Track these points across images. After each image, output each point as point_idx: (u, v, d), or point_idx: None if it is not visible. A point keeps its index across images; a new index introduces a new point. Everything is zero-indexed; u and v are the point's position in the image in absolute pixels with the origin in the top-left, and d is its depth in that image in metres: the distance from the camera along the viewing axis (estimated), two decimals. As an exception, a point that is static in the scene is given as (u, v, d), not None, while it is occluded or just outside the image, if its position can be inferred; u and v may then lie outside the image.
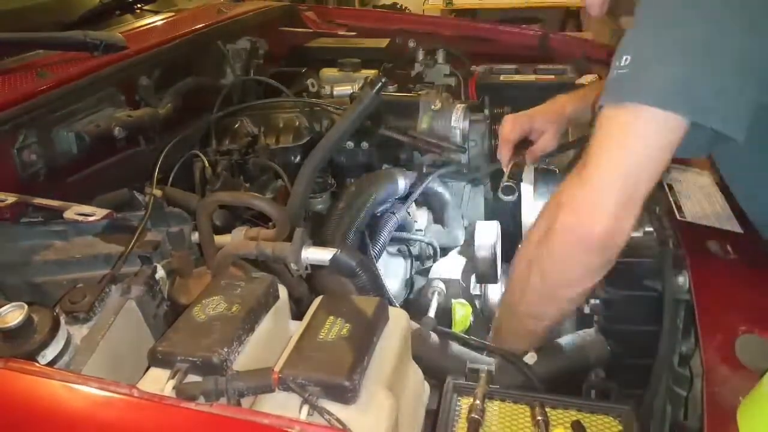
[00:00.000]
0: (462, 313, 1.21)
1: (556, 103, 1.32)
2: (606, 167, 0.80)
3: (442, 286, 1.23)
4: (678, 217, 1.04)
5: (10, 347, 0.69)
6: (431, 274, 1.29)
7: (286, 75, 1.73)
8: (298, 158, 1.42)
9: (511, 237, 1.31)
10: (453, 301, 1.28)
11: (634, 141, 0.79)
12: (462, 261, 1.33)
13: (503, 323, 1.04)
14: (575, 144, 1.38)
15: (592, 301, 1.03)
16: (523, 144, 1.32)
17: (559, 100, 1.32)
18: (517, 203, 1.32)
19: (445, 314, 1.18)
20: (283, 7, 2.20)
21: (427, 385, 0.88)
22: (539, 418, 0.74)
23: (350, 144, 1.41)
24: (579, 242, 0.83)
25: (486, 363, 0.91)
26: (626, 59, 0.78)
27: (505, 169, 1.30)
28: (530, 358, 0.94)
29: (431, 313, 1.09)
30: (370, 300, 0.77)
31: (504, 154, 1.32)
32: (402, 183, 1.38)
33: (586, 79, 1.70)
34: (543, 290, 0.91)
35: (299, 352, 0.67)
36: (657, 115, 0.76)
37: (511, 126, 1.30)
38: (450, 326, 1.16)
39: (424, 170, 1.45)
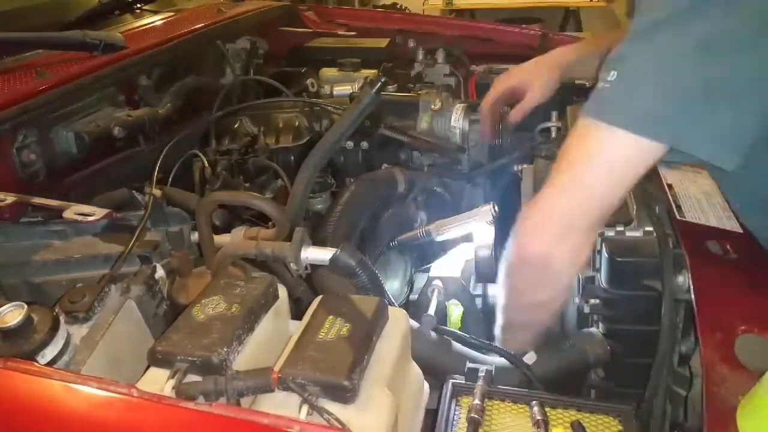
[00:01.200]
0: (457, 314, 1.21)
1: (548, 56, 1.30)
2: (577, 180, 0.80)
3: (440, 284, 1.23)
4: (678, 217, 1.04)
5: (10, 347, 0.69)
6: (431, 273, 1.29)
7: (285, 75, 1.73)
8: (298, 158, 1.42)
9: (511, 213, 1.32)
10: (447, 303, 1.28)
11: (598, 167, 0.78)
12: (462, 260, 1.32)
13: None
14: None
15: (592, 300, 1.03)
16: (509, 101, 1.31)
17: (553, 53, 1.30)
18: (517, 199, 1.31)
19: (443, 314, 1.18)
20: (283, 7, 2.20)
21: (427, 385, 0.87)
22: (539, 417, 0.74)
23: (350, 144, 1.41)
24: (520, 260, 0.86)
25: (486, 363, 0.91)
26: (613, 74, 0.76)
27: (484, 129, 1.27)
28: (530, 358, 0.94)
29: (431, 311, 1.09)
30: (370, 300, 0.77)
31: (483, 114, 1.30)
32: (401, 183, 1.38)
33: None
34: (509, 301, 0.94)
35: (299, 352, 0.67)
36: (629, 140, 0.75)
37: (493, 85, 1.28)
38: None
39: (424, 170, 1.45)
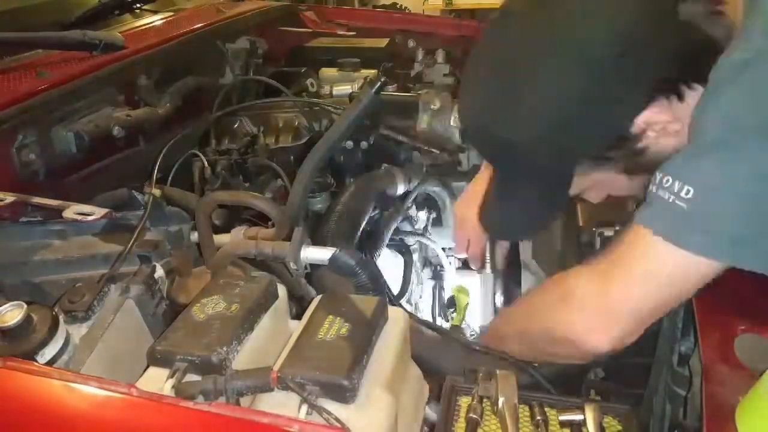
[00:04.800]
0: (466, 301, 1.22)
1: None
2: (631, 294, 0.78)
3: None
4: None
5: (9, 346, 0.69)
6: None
7: (285, 75, 1.73)
8: (298, 158, 1.42)
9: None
10: (453, 288, 1.29)
11: (670, 285, 0.77)
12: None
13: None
14: None
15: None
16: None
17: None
18: None
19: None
20: (283, 7, 2.20)
21: (426, 385, 0.87)
22: (539, 418, 0.73)
23: (350, 144, 1.41)
24: (572, 344, 0.83)
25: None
26: (688, 191, 0.71)
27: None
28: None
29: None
30: (370, 299, 0.77)
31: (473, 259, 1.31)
32: (401, 183, 1.38)
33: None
34: (524, 352, 0.92)
35: (298, 352, 0.67)
36: (703, 265, 0.73)
37: (467, 245, 1.29)
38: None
39: (424, 170, 1.45)
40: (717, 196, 0.71)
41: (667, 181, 0.73)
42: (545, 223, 0.99)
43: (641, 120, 0.79)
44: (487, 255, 1.36)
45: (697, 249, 0.72)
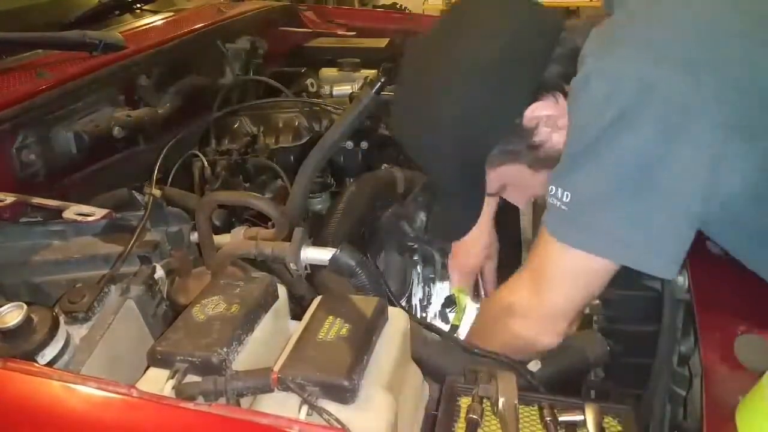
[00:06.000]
0: (467, 301, 1.22)
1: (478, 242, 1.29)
2: (560, 295, 0.89)
3: None
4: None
5: (9, 347, 0.69)
6: None
7: (285, 75, 1.73)
8: (298, 158, 1.42)
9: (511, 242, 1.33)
10: (453, 288, 1.28)
11: (585, 277, 0.87)
12: None
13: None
14: None
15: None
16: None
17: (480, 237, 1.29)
18: (515, 211, 1.33)
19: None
20: (283, 7, 2.20)
21: (426, 385, 0.87)
22: (548, 419, 0.73)
23: (350, 144, 1.41)
24: (529, 348, 0.94)
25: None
26: (567, 196, 0.82)
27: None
28: (534, 365, 0.94)
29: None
30: (370, 300, 0.77)
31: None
32: (401, 183, 1.38)
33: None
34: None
35: (298, 352, 0.67)
36: (597, 263, 0.83)
37: (457, 281, 1.31)
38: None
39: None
40: (585, 197, 0.81)
41: (552, 189, 0.84)
42: (470, 222, 1.11)
43: (530, 113, 0.90)
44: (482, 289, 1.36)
45: (579, 246, 0.82)
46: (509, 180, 1.01)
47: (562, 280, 0.88)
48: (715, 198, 0.77)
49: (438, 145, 0.95)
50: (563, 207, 0.82)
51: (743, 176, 0.76)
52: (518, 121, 0.91)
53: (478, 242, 1.27)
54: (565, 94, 0.88)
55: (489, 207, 1.26)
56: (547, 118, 0.91)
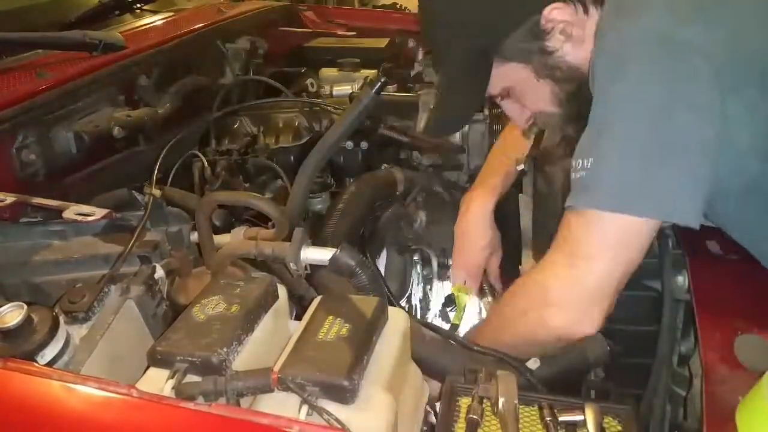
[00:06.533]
0: (466, 300, 1.22)
1: (476, 213, 1.29)
2: (599, 273, 0.85)
3: None
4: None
5: (10, 347, 0.69)
6: None
7: (285, 75, 1.73)
8: (298, 158, 1.42)
9: (512, 240, 1.32)
10: (453, 288, 1.28)
11: (625, 247, 0.85)
12: None
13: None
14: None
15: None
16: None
17: (476, 210, 1.28)
18: (515, 210, 1.32)
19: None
20: (283, 7, 2.20)
21: (426, 385, 0.87)
22: (548, 419, 0.73)
23: (350, 144, 1.41)
24: (560, 340, 0.89)
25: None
26: (589, 161, 0.83)
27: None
28: (533, 363, 0.94)
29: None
30: (370, 300, 0.77)
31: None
32: (401, 183, 1.38)
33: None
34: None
35: (298, 352, 0.67)
36: (629, 223, 0.82)
37: (461, 280, 1.31)
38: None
39: (424, 170, 1.45)
40: (605, 153, 0.82)
41: (576, 164, 0.85)
42: (466, 115, 1.13)
43: (548, 13, 0.93)
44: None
45: (608, 205, 0.82)
46: (513, 82, 1.01)
47: (599, 250, 0.85)
48: (728, 147, 0.80)
49: (455, 20, 0.98)
50: (585, 173, 0.83)
51: (752, 130, 0.80)
52: (536, 18, 0.93)
53: (481, 239, 1.27)
54: (586, 8, 0.93)
55: (488, 202, 1.26)
56: (564, 24, 0.93)
